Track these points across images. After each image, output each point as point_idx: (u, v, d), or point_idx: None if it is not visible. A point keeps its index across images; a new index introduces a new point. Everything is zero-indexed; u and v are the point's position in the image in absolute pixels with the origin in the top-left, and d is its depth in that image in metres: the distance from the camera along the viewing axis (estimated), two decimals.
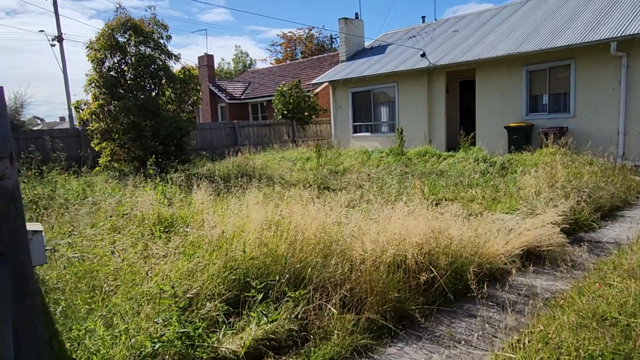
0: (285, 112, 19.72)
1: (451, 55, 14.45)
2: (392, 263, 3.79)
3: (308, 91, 21.10)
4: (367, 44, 20.34)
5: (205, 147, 17.20)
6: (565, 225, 5.56)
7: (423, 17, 20.12)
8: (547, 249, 5.03)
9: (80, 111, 11.28)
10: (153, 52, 11.83)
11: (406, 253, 3.84)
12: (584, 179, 7.54)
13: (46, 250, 2.77)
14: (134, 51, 11.54)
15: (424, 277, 3.55)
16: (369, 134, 17.29)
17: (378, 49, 18.83)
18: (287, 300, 3.47)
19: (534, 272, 4.75)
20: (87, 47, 11.64)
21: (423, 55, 14.95)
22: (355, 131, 17.86)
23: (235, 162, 13.98)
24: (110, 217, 5.62)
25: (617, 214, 7.19)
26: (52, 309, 3.04)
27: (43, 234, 2.56)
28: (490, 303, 4.00)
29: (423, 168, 11.25)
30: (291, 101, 19.65)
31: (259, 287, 3.11)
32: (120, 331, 2.83)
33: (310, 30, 47.96)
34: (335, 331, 3.25)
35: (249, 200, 5.28)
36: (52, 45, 28.12)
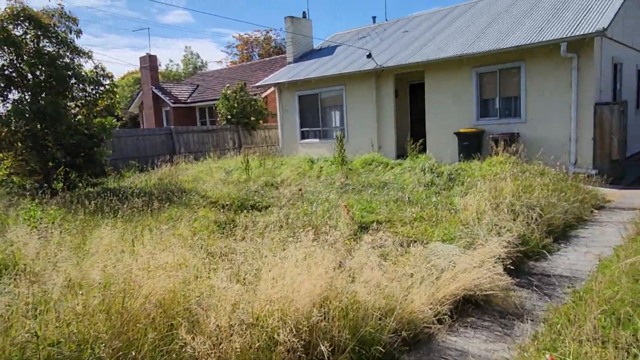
0: (229, 116, 18.31)
1: (399, 56, 13.54)
2: (258, 346, 2.60)
3: (255, 95, 19.79)
4: (317, 45, 19.29)
5: (137, 156, 15.56)
6: (510, 261, 4.57)
7: (373, 18, 19.29)
8: (489, 293, 4.00)
9: None
10: (58, 49, 10.24)
11: (280, 329, 2.65)
12: (534, 194, 6.65)
13: None
14: (32, 47, 9.92)
15: None
16: (317, 140, 16.17)
17: (327, 50, 17.78)
18: None
19: (470, 328, 3.69)
20: None
21: (369, 56, 13.97)
22: (303, 137, 16.71)
23: (164, 173, 12.52)
24: None
25: (571, 234, 6.33)
26: None
27: None
28: None
29: (366, 179, 10.18)
30: (235, 105, 18.26)
31: None
32: None
33: (268, 32, 46.66)
34: None
35: (100, 238, 3.97)
36: None
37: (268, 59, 27.72)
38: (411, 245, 5.13)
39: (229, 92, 18.48)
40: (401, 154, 13.49)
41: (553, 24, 10.82)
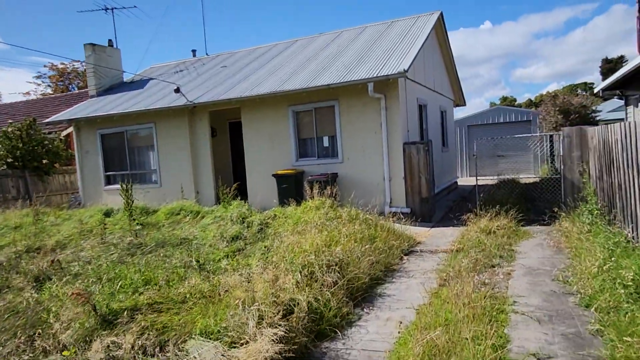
0: (10, 159, 14.62)
1: (214, 92, 12.32)
2: None
3: (50, 133, 16.42)
4: (129, 77, 17.04)
5: None
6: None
7: (193, 51, 17.87)
8: None
9: None
10: None
11: None
12: (338, 249, 5.80)
13: None
14: None
15: None
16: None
17: (138, 84, 15.69)
18: None
19: None
20: None
21: (177, 90, 12.45)
22: (108, 182, 14.09)
23: None
24: None
25: (377, 292, 5.56)
26: None
27: None
28: None
29: (166, 234, 8.42)
30: (20, 145, 14.71)
31: None
32: None
33: None
34: None
35: None
36: None
37: (76, 92, 24.01)
38: (162, 346, 3.61)
39: (10, 129, 14.85)
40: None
41: (361, 65, 10.85)
